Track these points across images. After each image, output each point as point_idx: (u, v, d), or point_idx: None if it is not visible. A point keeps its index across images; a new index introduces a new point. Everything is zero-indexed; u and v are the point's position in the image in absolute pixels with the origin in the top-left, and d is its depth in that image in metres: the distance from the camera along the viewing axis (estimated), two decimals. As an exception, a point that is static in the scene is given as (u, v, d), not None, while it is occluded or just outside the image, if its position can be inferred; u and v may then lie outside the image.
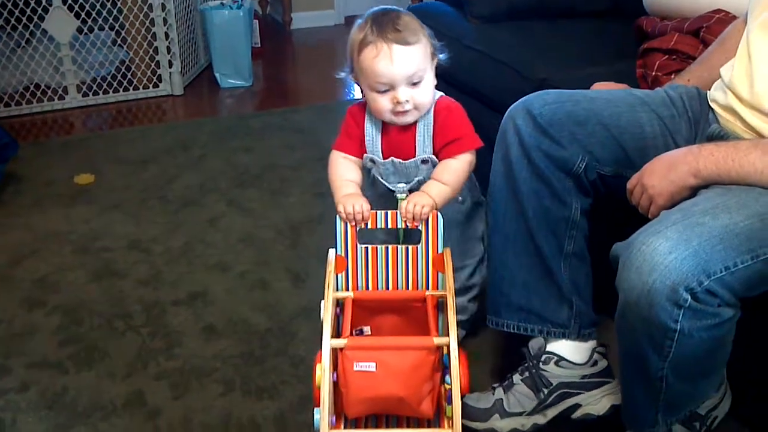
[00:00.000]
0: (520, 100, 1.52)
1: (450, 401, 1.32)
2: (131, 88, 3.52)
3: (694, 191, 1.29)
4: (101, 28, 3.49)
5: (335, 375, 1.36)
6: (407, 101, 1.44)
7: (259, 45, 4.15)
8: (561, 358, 1.51)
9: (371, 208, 1.46)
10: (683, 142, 1.46)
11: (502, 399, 1.51)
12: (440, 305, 1.48)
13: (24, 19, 3.25)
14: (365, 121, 1.54)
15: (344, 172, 1.54)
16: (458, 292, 1.62)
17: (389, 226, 1.46)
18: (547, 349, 1.52)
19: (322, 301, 1.39)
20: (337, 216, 1.46)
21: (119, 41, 3.62)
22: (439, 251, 1.48)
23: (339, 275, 1.49)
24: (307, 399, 1.60)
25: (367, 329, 1.51)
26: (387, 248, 1.48)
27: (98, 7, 3.39)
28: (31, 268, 2.17)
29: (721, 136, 1.39)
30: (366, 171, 1.58)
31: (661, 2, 2.13)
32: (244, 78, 3.71)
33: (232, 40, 3.61)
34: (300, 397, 1.65)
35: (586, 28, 2.37)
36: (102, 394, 1.69)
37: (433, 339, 1.34)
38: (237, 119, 3.31)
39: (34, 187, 2.64)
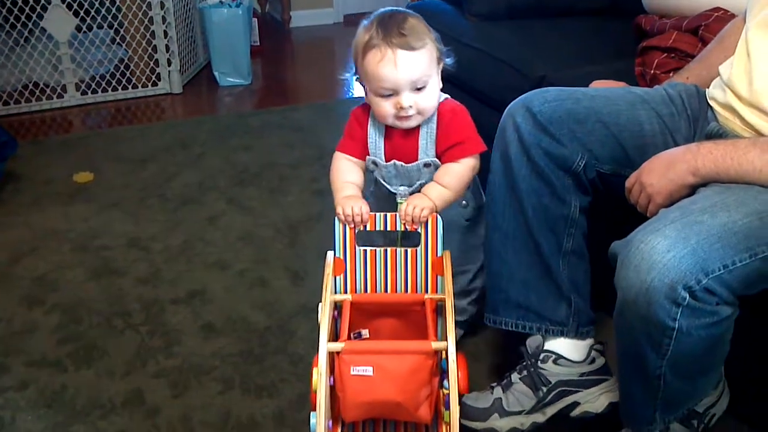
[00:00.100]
0: (519, 98, 1.52)
1: (448, 406, 1.31)
2: (130, 86, 3.52)
3: (692, 189, 1.29)
4: (100, 27, 3.49)
5: (332, 379, 1.35)
6: (410, 106, 1.42)
7: (258, 43, 4.15)
8: (559, 356, 1.51)
9: (371, 210, 1.45)
10: (682, 140, 1.46)
11: (501, 398, 1.51)
12: (439, 309, 1.46)
13: (23, 18, 3.25)
14: (368, 123, 1.52)
15: (345, 174, 1.53)
16: (458, 296, 1.62)
17: (388, 228, 1.45)
18: (545, 348, 1.52)
19: (320, 304, 1.38)
20: (336, 218, 1.45)
21: (118, 39, 3.62)
22: (439, 254, 1.46)
23: (337, 278, 1.48)
24: (306, 397, 1.60)
25: (365, 332, 1.50)
26: (386, 251, 1.47)
27: (97, 5, 3.39)
28: (30, 266, 2.17)
29: (720, 134, 1.39)
30: (368, 173, 1.57)
31: (660, 1, 2.13)
32: (243, 76, 3.71)
33: (231, 38, 3.61)
34: (299, 396, 1.66)
35: (585, 26, 2.37)
36: (101, 393, 1.69)
37: (431, 343, 1.32)
38: (236, 118, 3.31)
39: (33, 185, 2.64)
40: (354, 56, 1.46)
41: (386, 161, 1.52)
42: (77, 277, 2.12)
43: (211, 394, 1.68)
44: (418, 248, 1.46)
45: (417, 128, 1.49)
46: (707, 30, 1.84)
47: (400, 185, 1.53)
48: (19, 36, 3.28)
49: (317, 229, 2.33)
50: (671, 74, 1.76)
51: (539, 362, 1.51)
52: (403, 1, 4.04)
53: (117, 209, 2.48)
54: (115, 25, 3.49)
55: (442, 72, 1.47)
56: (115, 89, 3.48)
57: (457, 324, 1.59)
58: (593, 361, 1.53)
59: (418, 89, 1.41)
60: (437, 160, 1.50)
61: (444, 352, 1.33)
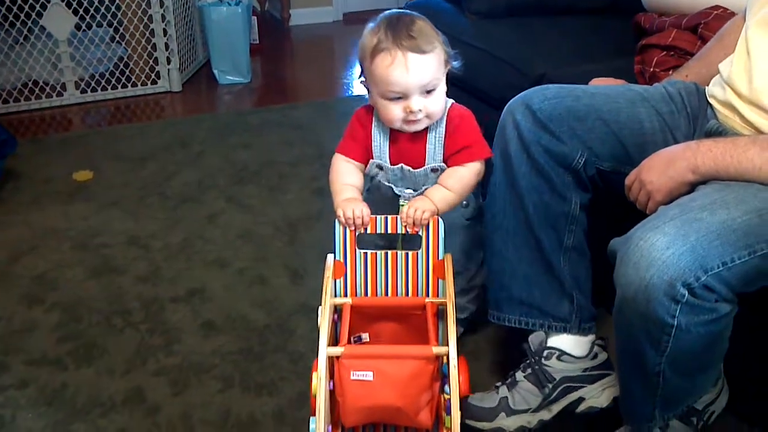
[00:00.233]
0: (519, 95, 1.51)
1: (449, 411, 1.29)
2: (129, 84, 3.52)
3: (692, 187, 1.29)
4: (99, 25, 3.49)
5: (332, 383, 1.34)
6: (420, 110, 1.40)
7: (258, 41, 4.15)
8: (563, 353, 1.51)
9: (371, 213, 1.43)
10: (682, 138, 1.46)
11: (507, 397, 1.50)
12: (440, 313, 1.45)
13: (22, 16, 3.25)
14: (372, 126, 1.51)
15: (345, 176, 1.51)
16: (459, 295, 1.61)
17: (389, 231, 1.44)
18: (548, 345, 1.52)
19: (320, 307, 1.37)
20: (336, 221, 1.44)
21: (117, 38, 3.62)
22: (440, 257, 1.45)
23: (337, 281, 1.47)
24: (306, 395, 1.60)
25: (365, 336, 1.49)
26: (386, 254, 1.46)
27: (96, 3, 3.39)
28: (29, 264, 2.17)
29: (720, 131, 1.39)
30: (368, 178, 1.55)
31: (660, -1, 2.13)
32: (243, 75, 3.71)
33: (230, 36, 3.60)
34: (298, 394, 1.66)
35: (585, 24, 2.37)
36: (101, 391, 1.69)
37: (432, 348, 1.31)
38: (235, 116, 3.31)
39: (32, 183, 2.64)
40: (360, 59, 1.44)
41: (391, 164, 1.51)
42: (77, 276, 2.12)
43: (211, 392, 1.68)
44: (419, 251, 1.45)
45: (424, 132, 1.48)
46: (706, 28, 1.84)
47: (406, 189, 1.52)
48: (18, 34, 3.28)
49: (317, 227, 2.33)
50: (670, 72, 1.76)
51: (543, 359, 1.51)
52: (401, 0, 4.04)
53: (116, 207, 2.48)
54: (115, 24, 3.49)
55: (447, 75, 1.45)
56: (114, 87, 3.48)
57: (458, 321, 1.59)
58: (596, 356, 1.53)
59: (428, 93, 1.40)
60: (444, 165, 1.49)
61: (445, 357, 1.31)
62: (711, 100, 1.46)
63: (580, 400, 1.51)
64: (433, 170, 1.49)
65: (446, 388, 1.32)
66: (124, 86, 3.50)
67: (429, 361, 1.31)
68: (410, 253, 1.46)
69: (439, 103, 1.43)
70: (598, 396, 1.50)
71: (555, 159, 1.46)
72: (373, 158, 1.52)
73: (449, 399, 1.29)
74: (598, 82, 1.65)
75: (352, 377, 1.31)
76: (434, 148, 1.48)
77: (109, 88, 3.47)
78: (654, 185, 1.31)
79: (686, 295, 1.12)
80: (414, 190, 1.52)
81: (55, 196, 2.55)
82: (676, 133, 1.47)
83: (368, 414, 1.36)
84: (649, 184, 1.31)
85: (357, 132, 1.52)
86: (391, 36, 1.37)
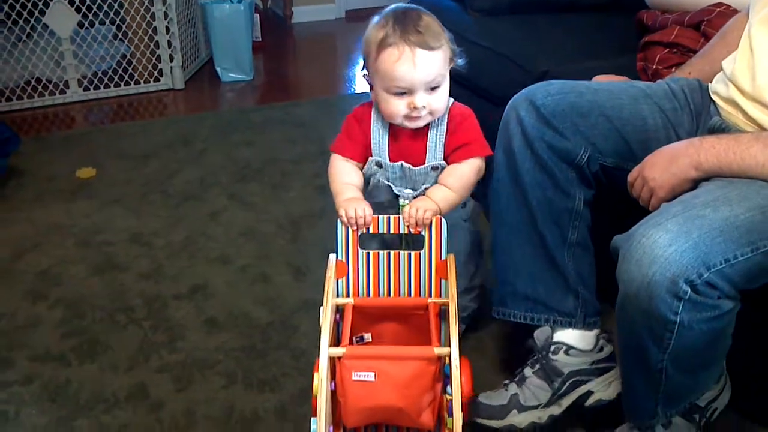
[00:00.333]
0: (522, 91, 1.51)
1: (451, 412, 1.29)
2: (132, 82, 3.52)
3: (695, 184, 1.29)
4: (102, 23, 3.49)
5: (333, 384, 1.34)
6: (424, 107, 1.40)
7: (260, 39, 4.15)
8: (569, 347, 1.51)
9: (373, 213, 1.43)
10: (685, 134, 1.46)
11: (516, 394, 1.50)
12: (443, 313, 1.45)
13: (25, 14, 3.25)
14: (372, 123, 1.50)
15: (345, 176, 1.51)
16: (461, 294, 1.61)
17: (391, 231, 1.43)
18: (554, 339, 1.52)
19: (321, 308, 1.36)
20: (338, 220, 1.44)
21: (120, 35, 3.62)
22: (443, 258, 1.44)
23: (339, 280, 1.47)
24: (308, 391, 1.60)
25: (367, 336, 1.48)
26: (389, 254, 1.45)
27: (99, 1, 3.39)
28: (33, 261, 2.18)
29: (723, 128, 1.39)
30: (365, 179, 1.54)
31: (662, -4, 2.13)
32: (245, 72, 3.71)
33: (232, 34, 3.60)
34: (301, 390, 1.66)
35: (587, 21, 2.37)
36: (105, 387, 1.69)
37: (434, 349, 1.31)
38: (238, 113, 3.32)
39: (35, 181, 2.64)
40: (365, 53, 1.43)
41: (391, 162, 1.50)
42: (80, 273, 2.12)
43: (215, 389, 1.69)
44: (422, 251, 1.44)
45: (425, 129, 1.47)
46: (709, 25, 1.84)
47: (405, 188, 1.51)
48: (21, 32, 3.28)
49: (319, 224, 2.33)
50: (673, 69, 1.77)
51: (550, 354, 1.51)
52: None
53: (119, 205, 2.49)
54: (117, 21, 3.49)
55: (450, 72, 1.45)
56: (117, 85, 3.48)
57: (459, 319, 1.59)
58: (602, 349, 1.53)
59: (432, 89, 1.40)
60: (445, 162, 1.49)
61: (447, 358, 1.30)
62: (714, 97, 1.46)
63: (589, 393, 1.51)
64: (434, 168, 1.49)
65: (448, 388, 1.31)
66: (127, 84, 3.50)
67: (431, 362, 1.31)
68: (413, 253, 1.45)
69: (442, 100, 1.43)
70: (605, 389, 1.50)
71: (558, 155, 1.46)
72: (371, 156, 1.51)
73: (451, 400, 1.28)
74: (601, 79, 1.65)
75: (353, 378, 1.30)
76: (435, 145, 1.48)
77: (112, 85, 3.47)
78: (657, 182, 1.31)
79: (689, 291, 1.13)
80: (413, 190, 1.51)
81: (58, 194, 2.56)
82: (679, 130, 1.47)
83: (370, 415, 1.36)
84: (651, 180, 1.31)
85: (353, 131, 1.51)
86: (399, 31, 1.36)
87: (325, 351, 1.30)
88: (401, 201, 1.50)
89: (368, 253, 1.46)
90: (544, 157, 1.46)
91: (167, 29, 3.47)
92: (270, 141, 2.97)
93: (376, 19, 1.42)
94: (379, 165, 1.51)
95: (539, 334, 1.55)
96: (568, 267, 1.51)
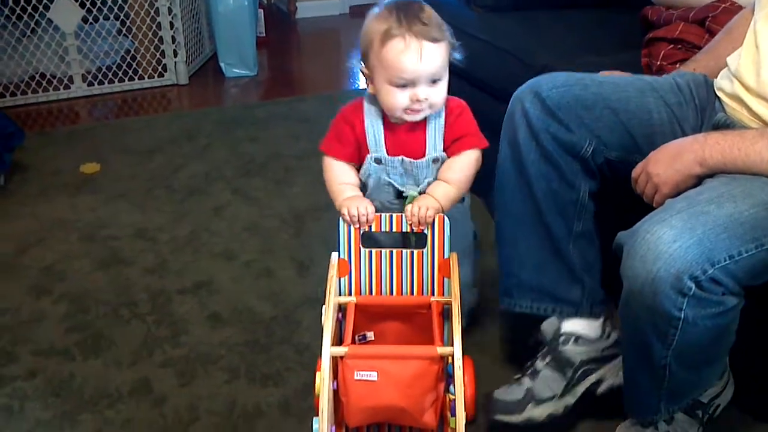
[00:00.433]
0: (527, 82, 1.50)
1: (454, 412, 1.28)
2: (136, 77, 3.52)
3: (699, 180, 1.29)
4: (106, 18, 3.49)
5: (335, 383, 1.33)
6: (426, 99, 1.39)
7: (264, 34, 4.14)
8: (578, 337, 1.51)
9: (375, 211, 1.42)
10: (690, 129, 1.45)
11: (531, 387, 1.49)
12: (445, 312, 1.44)
13: (29, 9, 3.25)
14: (365, 120, 1.48)
15: (342, 176, 1.49)
16: (467, 288, 1.61)
17: (394, 229, 1.43)
18: (562, 330, 1.52)
19: (323, 306, 1.36)
20: (340, 219, 1.43)
21: (124, 31, 3.62)
22: (446, 256, 1.44)
23: (342, 279, 1.46)
24: (311, 386, 1.60)
25: (370, 335, 1.47)
26: (391, 252, 1.45)
27: (103, -4, 3.40)
28: (37, 256, 2.18)
29: (728, 124, 1.39)
30: (364, 179, 1.52)
31: (667, -9, 2.12)
32: (249, 67, 3.70)
33: (237, 29, 3.60)
34: (304, 384, 1.66)
35: (591, 17, 2.36)
36: (108, 382, 1.70)
37: (436, 348, 1.30)
38: (242, 109, 3.32)
39: (40, 176, 2.65)
40: (365, 45, 1.41)
41: (390, 156, 1.48)
42: (84, 267, 2.13)
43: (218, 383, 1.69)
44: (425, 250, 1.44)
45: (423, 123, 1.46)
46: (714, 21, 1.84)
47: (406, 183, 1.49)
48: (25, 27, 3.28)
49: (323, 219, 2.33)
50: (678, 65, 1.76)
51: (560, 345, 1.51)
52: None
53: (124, 200, 2.49)
54: (122, 17, 3.49)
55: (450, 66, 1.44)
56: (121, 80, 3.48)
57: (463, 315, 1.59)
58: (609, 336, 1.53)
59: (433, 82, 1.39)
60: (445, 154, 1.47)
61: (450, 357, 1.30)
62: (719, 93, 1.46)
63: (600, 381, 1.51)
64: (435, 161, 1.48)
65: (451, 388, 1.31)
66: (131, 79, 3.50)
67: (434, 362, 1.30)
68: (415, 251, 1.44)
69: (442, 93, 1.42)
70: (615, 375, 1.50)
71: (563, 147, 1.46)
72: (369, 153, 1.48)
73: (454, 399, 1.28)
74: (606, 75, 1.65)
75: (356, 377, 1.30)
76: (434, 137, 1.47)
77: (116, 81, 3.47)
78: (661, 178, 1.30)
79: (693, 288, 1.13)
80: (416, 185, 1.49)
81: (63, 189, 2.56)
82: (684, 125, 1.46)
83: (372, 414, 1.35)
84: (655, 176, 1.31)
85: (343, 132, 1.49)
86: (404, 22, 1.35)
87: (328, 350, 1.29)
88: (405, 193, 1.48)
89: (371, 252, 1.45)
90: (549, 149, 1.46)
91: (171, 24, 3.47)
92: (274, 136, 2.97)
93: (376, 10, 1.41)
94: (378, 161, 1.49)
95: (547, 327, 1.54)
96: (573, 258, 1.51)
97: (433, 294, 1.47)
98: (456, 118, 1.47)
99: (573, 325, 1.52)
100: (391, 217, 1.42)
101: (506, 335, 1.80)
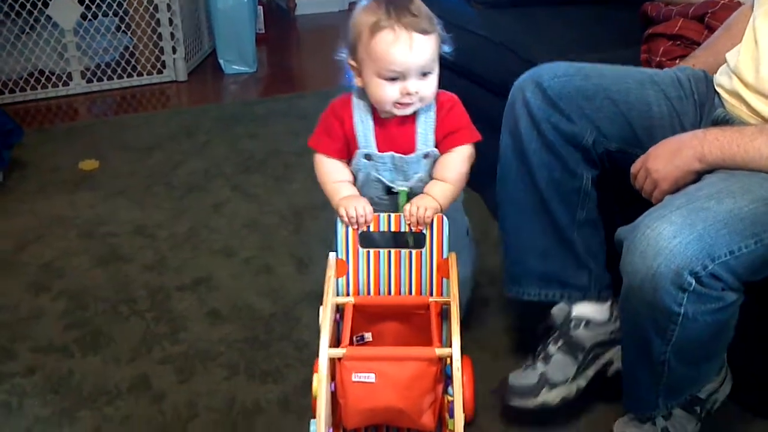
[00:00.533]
0: (528, 72, 1.50)
1: (452, 414, 1.28)
2: (135, 74, 3.51)
3: (698, 176, 1.29)
4: (105, 14, 3.48)
5: (333, 385, 1.32)
6: (416, 92, 1.37)
7: (264, 31, 4.13)
8: (588, 321, 1.52)
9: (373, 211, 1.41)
10: (689, 124, 1.45)
11: (545, 372, 1.49)
12: (444, 312, 1.43)
13: (28, 6, 3.24)
14: (354, 115, 1.46)
15: (335, 174, 1.48)
16: (468, 279, 1.61)
17: (392, 229, 1.42)
18: (573, 315, 1.53)
19: (321, 307, 1.35)
20: (338, 219, 1.42)
21: (123, 27, 3.61)
22: (444, 256, 1.43)
23: (339, 279, 1.45)
24: (310, 384, 1.60)
25: (368, 335, 1.46)
26: (390, 252, 1.44)
27: (102, -7, 3.39)
28: (36, 253, 2.18)
29: (726, 120, 1.39)
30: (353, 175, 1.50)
31: (667, -13, 2.12)
32: (249, 64, 3.70)
33: (236, 26, 3.59)
34: (303, 381, 1.66)
35: (590, 14, 2.36)
36: (107, 378, 1.70)
37: (434, 350, 1.29)
38: (241, 105, 3.31)
39: (39, 173, 2.64)
40: (354, 37, 1.39)
41: (380, 152, 1.46)
42: (83, 264, 2.12)
43: (217, 380, 1.69)
44: (423, 250, 1.43)
45: (412, 116, 1.43)
46: (714, 17, 1.84)
47: (396, 180, 1.47)
48: (24, 24, 3.27)
49: (322, 216, 2.32)
50: (677, 61, 1.76)
51: (571, 329, 1.51)
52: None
53: (123, 197, 2.49)
54: (120, 13, 3.48)
55: (440, 59, 1.42)
56: (120, 77, 3.48)
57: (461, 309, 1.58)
58: (616, 319, 1.53)
59: (423, 75, 1.37)
60: (436, 150, 1.45)
61: (448, 358, 1.29)
62: (718, 89, 1.46)
63: (610, 363, 1.52)
64: (425, 156, 1.45)
65: (450, 389, 1.30)
66: (130, 76, 3.50)
67: (432, 363, 1.29)
68: (414, 251, 1.43)
69: (432, 86, 1.40)
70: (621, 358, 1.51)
71: (564, 137, 1.46)
72: (358, 148, 1.46)
73: (452, 401, 1.27)
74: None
75: (353, 379, 1.29)
76: (425, 132, 1.44)
77: (115, 77, 3.47)
78: (660, 174, 1.31)
79: (693, 283, 1.13)
80: (404, 180, 1.47)
81: (62, 185, 2.56)
82: (683, 119, 1.46)
83: (370, 416, 1.35)
84: (655, 172, 1.31)
85: (333, 127, 1.47)
86: (394, 13, 1.33)
87: (325, 352, 1.28)
88: (396, 189, 1.46)
89: (369, 252, 1.44)
90: (551, 139, 1.46)
91: (170, 21, 3.46)
92: (273, 133, 2.97)
93: (364, 2, 1.39)
94: (368, 157, 1.46)
95: (557, 312, 1.55)
96: (578, 245, 1.52)
97: (431, 294, 1.46)
98: (447, 112, 1.45)
99: (583, 309, 1.53)
100: (390, 216, 1.41)
101: (514, 323, 1.80)
